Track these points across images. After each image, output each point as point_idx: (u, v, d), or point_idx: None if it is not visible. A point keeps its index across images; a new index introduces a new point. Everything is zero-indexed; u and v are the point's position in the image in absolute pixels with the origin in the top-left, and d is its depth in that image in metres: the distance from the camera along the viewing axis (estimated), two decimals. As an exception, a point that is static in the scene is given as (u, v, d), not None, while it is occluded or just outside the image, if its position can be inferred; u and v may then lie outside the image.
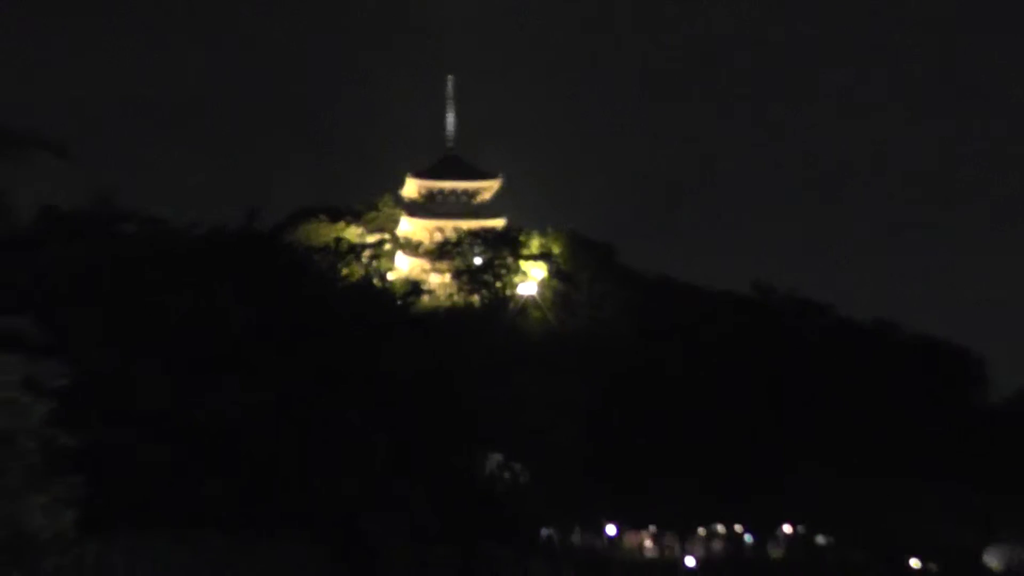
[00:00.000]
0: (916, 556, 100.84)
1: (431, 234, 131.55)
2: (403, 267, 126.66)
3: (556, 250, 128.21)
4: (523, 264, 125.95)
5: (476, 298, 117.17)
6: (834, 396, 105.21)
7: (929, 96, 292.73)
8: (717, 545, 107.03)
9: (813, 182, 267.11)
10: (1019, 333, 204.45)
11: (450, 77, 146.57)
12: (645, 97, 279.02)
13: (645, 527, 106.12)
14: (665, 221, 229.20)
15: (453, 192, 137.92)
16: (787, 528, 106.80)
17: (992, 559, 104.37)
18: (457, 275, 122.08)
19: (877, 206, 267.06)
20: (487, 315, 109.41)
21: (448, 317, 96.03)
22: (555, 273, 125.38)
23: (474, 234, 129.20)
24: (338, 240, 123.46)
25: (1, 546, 25.24)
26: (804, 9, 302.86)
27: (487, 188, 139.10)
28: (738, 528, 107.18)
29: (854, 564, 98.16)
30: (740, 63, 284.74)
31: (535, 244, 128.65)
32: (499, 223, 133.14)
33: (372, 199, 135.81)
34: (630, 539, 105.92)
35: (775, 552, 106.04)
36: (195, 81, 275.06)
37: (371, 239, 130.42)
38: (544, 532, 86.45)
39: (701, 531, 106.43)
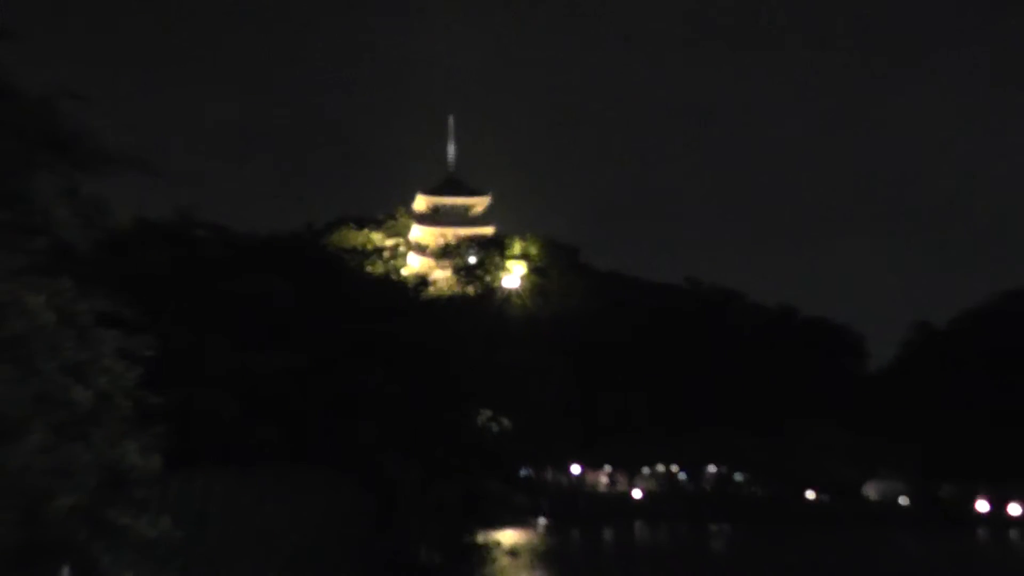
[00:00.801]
0: (812, 489, 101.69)
1: (436, 239, 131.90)
2: (414, 265, 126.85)
3: (533, 251, 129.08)
4: (507, 263, 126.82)
5: (471, 289, 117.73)
6: (747, 363, 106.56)
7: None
8: (657, 481, 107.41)
9: (731, 194, 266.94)
10: (894, 317, 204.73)
11: (451, 116, 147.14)
12: (606, 133, 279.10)
13: (602, 467, 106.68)
14: (616, 228, 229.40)
15: (453, 206, 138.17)
16: (712, 468, 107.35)
17: (870, 491, 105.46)
18: (456, 271, 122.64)
19: (783, 212, 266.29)
20: (479, 302, 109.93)
21: (449, 303, 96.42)
22: (532, 269, 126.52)
23: (469, 239, 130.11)
24: (364, 243, 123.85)
25: (102, 483, 25.44)
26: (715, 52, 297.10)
27: (480, 203, 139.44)
28: (674, 468, 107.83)
29: (763, 496, 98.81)
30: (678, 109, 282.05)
31: (517, 247, 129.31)
32: (489, 231, 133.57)
33: (390, 211, 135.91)
34: (591, 476, 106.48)
35: (702, 486, 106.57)
36: (253, 119, 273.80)
37: (389, 243, 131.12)
38: (524, 471, 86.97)
39: (645, 470, 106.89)
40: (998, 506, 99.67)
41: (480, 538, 40.07)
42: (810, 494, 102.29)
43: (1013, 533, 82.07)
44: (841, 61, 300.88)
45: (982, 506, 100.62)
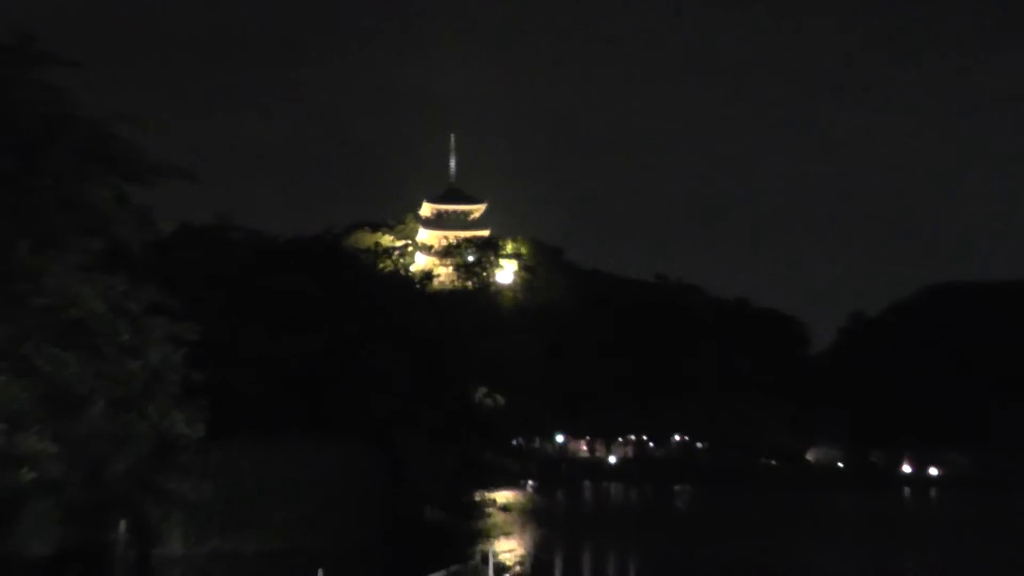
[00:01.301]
0: (761, 455, 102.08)
1: (439, 240, 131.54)
2: (420, 262, 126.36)
3: (523, 251, 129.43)
4: (501, 261, 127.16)
5: (469, 284, 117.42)
6: (707, 348, 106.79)
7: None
8: (630, 448, 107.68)
9: (695, 200, 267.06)
10: (833, 307, 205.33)
11: (452, 135, 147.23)
12: (589, 148, 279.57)
13: (583, 437, 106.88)
14: (596, 231, 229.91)
15: (454, 212, 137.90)
16: (676, 437, 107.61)
17: (811, 457, 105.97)
18: (456, 268, 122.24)
19: (741, 214, 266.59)
20: (476, 295, 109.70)
21: (450, 296, 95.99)
22: (523, 267, 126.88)
23: (468, 241, 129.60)
24: (377, 244, 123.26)
25: (153, 449, 25.45)
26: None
27: (477, 210, 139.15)
28: (644, 437, 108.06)
29: (720, 461, 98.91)
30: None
31: (509, 247, 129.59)
32: (485, 233, 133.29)
33: (400, 217, 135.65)
34: (572, 445, 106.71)
35: (668, 453, 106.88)
36: (284, 138, 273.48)
37: (399, 243, 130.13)
38: (515, 440, 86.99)
39: (619, 439, 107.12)
40: (920, 468, 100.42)
41: (477, 497, 40.16)
42: (760, 460, 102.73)
43: (933, 491, 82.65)
44: (791, 83, 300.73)
45: (906, 468, 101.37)
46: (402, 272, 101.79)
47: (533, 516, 45.58)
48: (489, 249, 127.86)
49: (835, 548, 36.51)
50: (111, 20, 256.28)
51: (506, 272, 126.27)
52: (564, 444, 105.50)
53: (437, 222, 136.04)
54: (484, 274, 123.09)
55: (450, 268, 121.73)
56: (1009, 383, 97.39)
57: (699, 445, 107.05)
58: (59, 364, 22.36)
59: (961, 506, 64.77)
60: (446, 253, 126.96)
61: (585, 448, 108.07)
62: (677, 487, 79.27)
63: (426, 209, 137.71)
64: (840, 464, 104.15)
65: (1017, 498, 64.57)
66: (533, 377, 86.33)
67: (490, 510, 40.37)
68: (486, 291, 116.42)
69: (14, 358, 22.30)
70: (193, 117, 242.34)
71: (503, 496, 44.55)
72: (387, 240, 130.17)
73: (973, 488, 79.35)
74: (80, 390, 23.06)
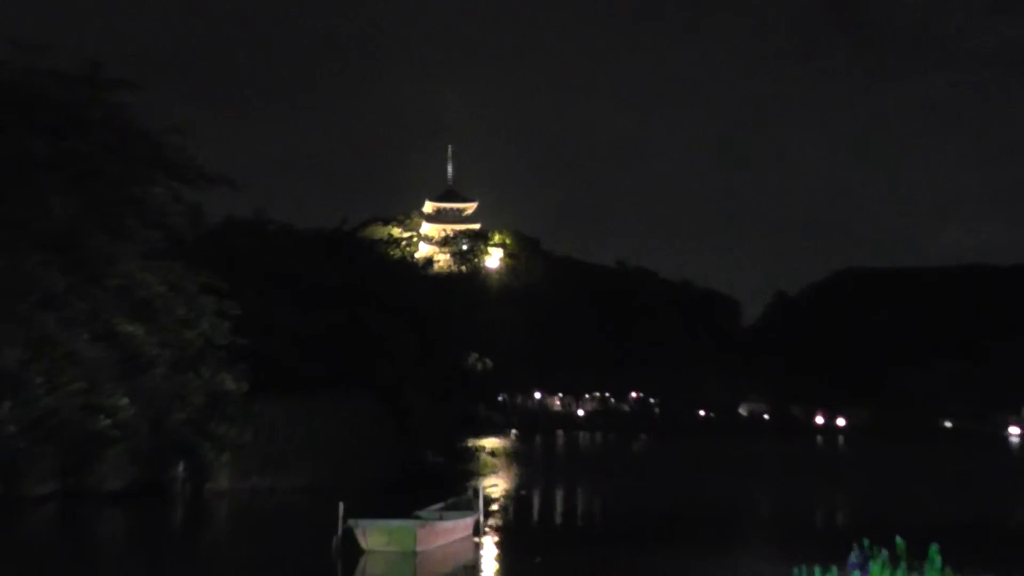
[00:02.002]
0: (702, 409, 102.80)
1: (439, 232, 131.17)
2: (423, 251, 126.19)
3: (507, 242, 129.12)
4: (489, 249, 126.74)
5: (463, 268, 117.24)
6: (658, 321, 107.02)
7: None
8: (594, 404, 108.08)
9: (649, 196, 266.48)
10: (763, 288, 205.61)
11: (449, 145, 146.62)
12: (564, 155, 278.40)
13: (556, 394, 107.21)
14: (568, 225, 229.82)
15: (451, 209, 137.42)
16: (634, 394, 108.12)
17: (743, 410, 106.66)
18: (452, 255, 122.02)
19: (688, 206, 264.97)
20: (469, 277, 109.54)
21: (447, 278, 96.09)
22: (507, 254, 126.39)
23: (462, 233, 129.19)
24: (387, 235, 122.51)
25: (206, 403, 25.56)
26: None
27: (470, 208, 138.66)
28: (607, 394, 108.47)
29: (669, 414, 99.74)
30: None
31: (496, 238, 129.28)
32: (476, 227, 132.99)
33: (406, 213, 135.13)
34: (548, 401, 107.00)
35: (627, 408, 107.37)
36: (311, 144, 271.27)
37: (405, 235, 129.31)
38: (500, 397, 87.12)
39: (587, 396, 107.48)
40: (829, 419, 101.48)
41: (469, 444, 40.20)
42: (701, 412, 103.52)
43: (840, 438, 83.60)
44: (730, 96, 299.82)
45: (819, 420, 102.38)
46: (408, 259, 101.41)
47: (515, 459, 45.82)
48: (479, 240, 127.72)
49: (760, 481, 37.10)
50: (154, 38, 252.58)
51: (493, 259, 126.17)
52: (541, 400, 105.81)
53: (437, 217, 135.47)
54: (475, 260, 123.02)
55: (447, 255, 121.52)
56: (900, 349, 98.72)
57: (652, 401, 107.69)
58: (129, 334, 22.44)
59: (861, 449, 65.68)
60: (444, 243, 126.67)
61: (559, 404, 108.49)
62: (634, 435, 79.78)
63: (428, 207, 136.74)
64: (766, 416, 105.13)
65: (905, 442, 65.57)
66: (516, 345, 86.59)
67: (480, 454, 40.46)
68: (477, 274, 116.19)
69: (93, 329, 22.40)
70: (231, 127, 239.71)
71: (491, 443, 44.58)
72: (395, 232, 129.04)
73: (871, 435, 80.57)
74: (146, 355, 23.14)
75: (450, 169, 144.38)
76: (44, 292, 21.55)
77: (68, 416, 22.27)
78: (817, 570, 4.74)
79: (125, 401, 22.76)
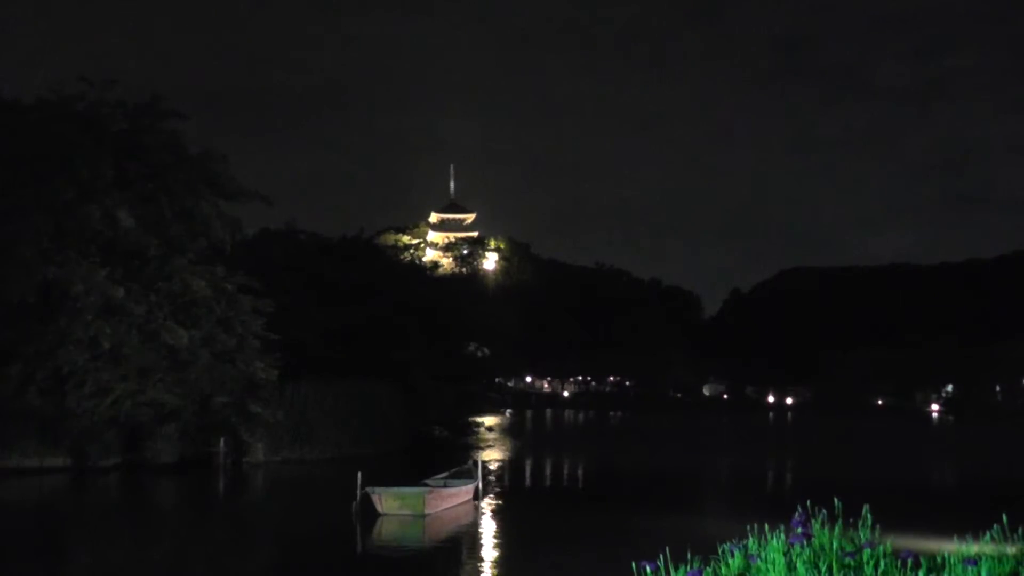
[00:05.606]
0: (671, 389, 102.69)
1: (443, 239, 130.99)
2: (429, 255, 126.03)
3: (502, 247, 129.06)
4: (486, 254, 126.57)
5: (464, 270, 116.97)
6: (631, 315, 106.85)
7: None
8: (578, 385, 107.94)
9: (625, 206, 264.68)
10: (720, 285, 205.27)
11: (452, 165, 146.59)
12: (550, 168, 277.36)
13: (545, 377, 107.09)
14: (555, 231, 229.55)
15: (453, 219, 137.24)
16: (612, 377, 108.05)
17: (706, 390, 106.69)
18: (455, 259, 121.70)
19: (658, 211, 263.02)
20: (469, 278, 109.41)
21: (451, 279, 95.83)
22: (501, 258, 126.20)
23: (463, 240, 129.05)
24: (399, 242, 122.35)
25: (243, 388, 25.42)
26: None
27: (469, 218, 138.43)
28: (589, 378, 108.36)
29: (642, 394, 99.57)
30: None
31: (492, 244, 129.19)
32: (475, 234, 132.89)
33: (415, 223, 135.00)
34: (537, 383, 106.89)
35: (606, 389, 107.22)
36: (336, 163, 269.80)
37: (414, 242, 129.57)
38: (496, 379, 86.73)
39: (571, 379, 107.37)
40: (779, 398, 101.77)
41: (470, 420, 40.20)
42: (669, 392, 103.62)
43: (788, 414, 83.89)
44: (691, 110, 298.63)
45: (770, 398, 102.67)
46: (416, 262, 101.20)
47: (509, 433, 45.85)
48: (478, 245, 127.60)
49: (720, 451, 37.19)
50: (195, 70, 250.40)
51: (490, 261, 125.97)
52: (531, 383, 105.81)
53: (441, 226, 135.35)
54: (474, 263, 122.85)
55: (450, 259, 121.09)
56: (835, 337, 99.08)
57: (627, 383, 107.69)
58: (176, 335, 22.41)
59: (806, 423, 65.94)
60: (447, 248, 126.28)
61: (547, 386, 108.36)
62: (612, 412, 79.82)
63: (433, 217, 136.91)
64: (725, 396, 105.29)
65: (843, 417, 65.85)
66: (510, 335, 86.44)
67: (479, 429, 40.43)
68: (476, 275, 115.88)
69: (146, 329, 22.40)
70: (262, 148, 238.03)
71: (488, 419, 44.62)
72: (405, 239, 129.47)
73: (813, 410, 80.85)
74: (191, 350, 23.08)
75: (452, 185, 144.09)
76: (106, 300, 21.62)
77: (126, 406, 22.60)
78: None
79: (173, 391, 22.96)
